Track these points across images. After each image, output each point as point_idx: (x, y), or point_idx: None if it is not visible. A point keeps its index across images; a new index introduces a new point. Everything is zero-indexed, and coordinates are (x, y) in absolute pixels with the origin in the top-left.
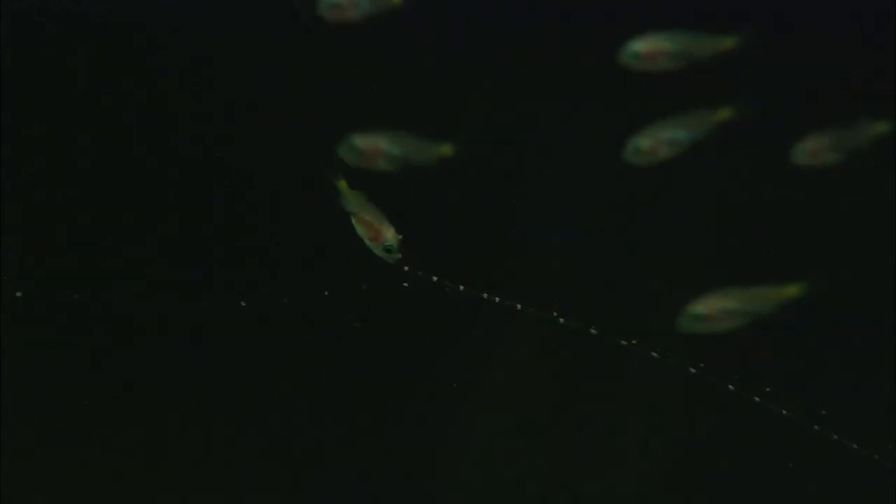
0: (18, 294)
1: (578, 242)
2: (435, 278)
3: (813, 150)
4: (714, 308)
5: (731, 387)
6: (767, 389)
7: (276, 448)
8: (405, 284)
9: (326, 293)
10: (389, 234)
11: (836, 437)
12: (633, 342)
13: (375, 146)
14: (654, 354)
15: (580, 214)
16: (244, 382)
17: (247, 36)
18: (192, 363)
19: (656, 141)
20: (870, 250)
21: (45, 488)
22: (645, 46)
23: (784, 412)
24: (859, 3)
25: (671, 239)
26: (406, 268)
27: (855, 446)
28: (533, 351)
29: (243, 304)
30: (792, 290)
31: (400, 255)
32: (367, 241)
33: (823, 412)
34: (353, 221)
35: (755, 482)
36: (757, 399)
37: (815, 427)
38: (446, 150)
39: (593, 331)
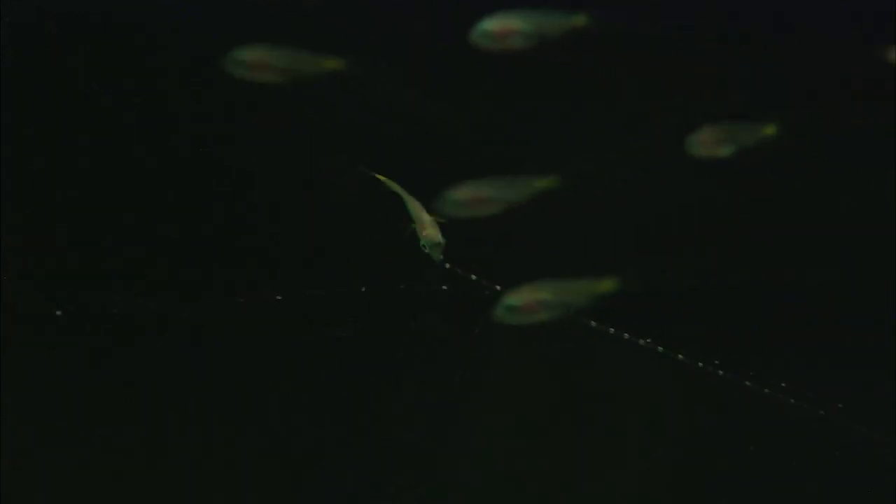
0: (59, 312)
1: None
2: (474, 277)
3: (705, 141)
4: (528, 299)
5: (722, 372)
6: (782, 385)
7: (276, 448)
8: (444, 287)
9: (363, 289)
10: (428, 233)
11: (846, 422)
12: (642, 340)
13: (262, 59)
14: (660, 349)
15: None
16: (244, 382)
17: (247, 36)
18: (192, 363)
19: (473, 196)
20: (870, 251)
21: (45, 488)
22: (496, 25)
23: (789, 400)
24: (859, 3)
25: (664, 237)
26: (447, 265)
27: (863, 433)
28: (533, 350)
29: (243, 302)
30: (606, 285)
31: (441, 257)
32: (417, 228)
33: (825, 409)
34: (406, 203)
35: (755, 482)
36: (767, 390)
37: (821, 412)
38: (333, 63)
39: (612, 329)
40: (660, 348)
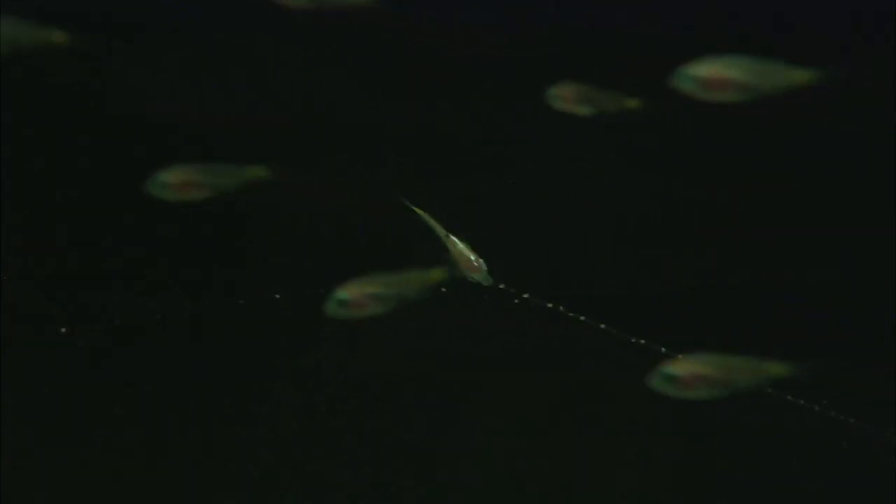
0: (63, 329)
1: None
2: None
3: (564, 95)
4: (358, 293)
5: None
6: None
7: (276, 448)
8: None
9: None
10: (467, 270)
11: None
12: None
13: None
14: (663, 350)
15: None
16: (244, 382)
17: (247, 35)
18: (192, 363)
19: (182, 179)
20: (870, 251)
21: (45, 488)
22: None
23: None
24: (859, 3)
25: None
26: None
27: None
28: (534, 350)
29: (242, 303)
30: (437, 274)
31: (491, 281)
32: (459, 262)
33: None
34: (443, 238)
35: (755, 482)
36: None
37: (818, 408)
38: (59, 36)
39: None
40: (663, 349)
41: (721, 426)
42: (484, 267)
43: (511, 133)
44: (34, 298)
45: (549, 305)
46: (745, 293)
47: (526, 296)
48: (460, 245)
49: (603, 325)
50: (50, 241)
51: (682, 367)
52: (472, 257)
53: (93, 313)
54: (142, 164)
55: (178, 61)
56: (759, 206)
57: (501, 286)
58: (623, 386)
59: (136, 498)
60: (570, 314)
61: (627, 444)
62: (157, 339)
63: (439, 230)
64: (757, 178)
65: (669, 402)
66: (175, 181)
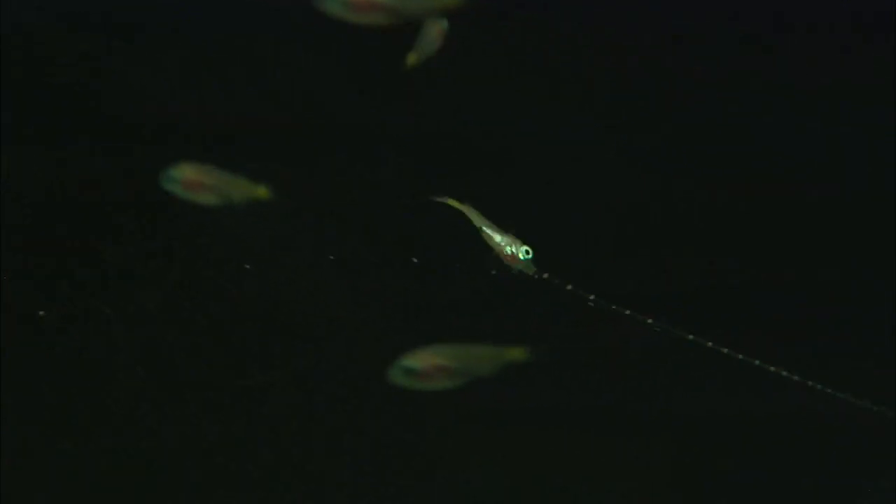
0: (42, 313)
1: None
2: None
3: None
4: (191, 175)
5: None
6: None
7: (275, 448)
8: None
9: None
10: (510, 260)
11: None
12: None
13: None
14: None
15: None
16: (243, 382)
17: (247, 35)
18: (192, 362)
19: None
20: (870, 250)
21: (45, 488)
22: None
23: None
24: (859, 3)
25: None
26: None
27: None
28: (534, 349)
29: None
30: (261, 191)
31: (534, 269)
32: (499, 253)
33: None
34: (481, 228)
35: (755, 481)
36: (774, 369)
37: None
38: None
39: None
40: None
41: (721, 425)
42: (527, 256)
43: (511, 133)
44: (34, 298)
45: (592, 298)
46: (744, 293)
47: (570, 287)
48: (498, 237)
49: (650, 321)
50: (50, 241)
51: (420, 359)
52: (511, 249)
53: (92, 313)
54: (142, 163)
55: (178, 61)
56: (759, 206)
57: (545, 276)
58: (624, 384)
59: (136, 498)
60: (628, 311)
61: (627, 444)
62: (156, 339)
63: (477, 222)
64: (757, 178)
65: (669, 401)
66: None
